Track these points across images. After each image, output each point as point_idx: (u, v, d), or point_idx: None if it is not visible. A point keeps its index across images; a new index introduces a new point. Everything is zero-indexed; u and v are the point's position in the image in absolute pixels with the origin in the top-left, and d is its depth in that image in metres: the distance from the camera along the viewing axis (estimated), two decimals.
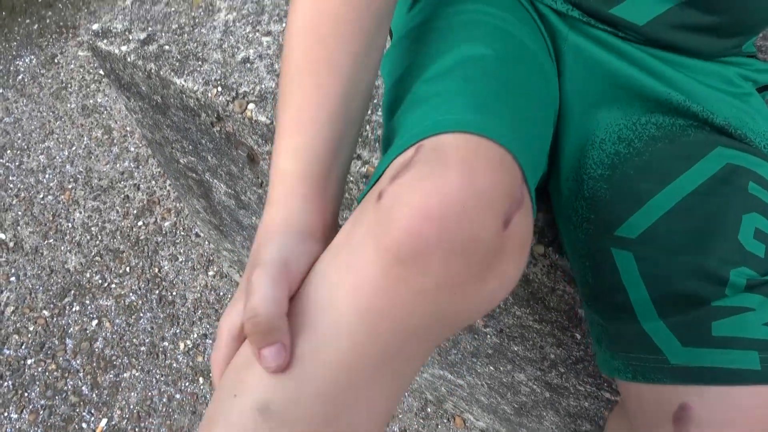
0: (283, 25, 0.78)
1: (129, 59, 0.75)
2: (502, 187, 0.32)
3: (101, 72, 1.79)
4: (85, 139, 1.63)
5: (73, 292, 1.34)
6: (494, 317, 0.74)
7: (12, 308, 1.33)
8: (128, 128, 1.65)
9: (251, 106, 0.70)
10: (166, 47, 0.76)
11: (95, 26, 0.79)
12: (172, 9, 0.81)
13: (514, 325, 0.72)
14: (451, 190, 0.30)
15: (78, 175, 1.55)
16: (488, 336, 0.79)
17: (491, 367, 0.87)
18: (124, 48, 0.76)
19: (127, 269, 1.38)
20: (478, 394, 0.99)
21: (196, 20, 0.79)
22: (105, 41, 0.77)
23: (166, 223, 1.45)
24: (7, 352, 1.26)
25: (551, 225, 0.58)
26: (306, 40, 0.40)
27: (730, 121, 0.48)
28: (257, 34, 0.77)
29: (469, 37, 0.44)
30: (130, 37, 0.77)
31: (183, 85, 0.72)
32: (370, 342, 0.33)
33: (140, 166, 1.57)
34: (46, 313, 1.31)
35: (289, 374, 0.33)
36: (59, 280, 1.36)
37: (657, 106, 0.50)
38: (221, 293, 1.33)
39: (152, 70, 0.74)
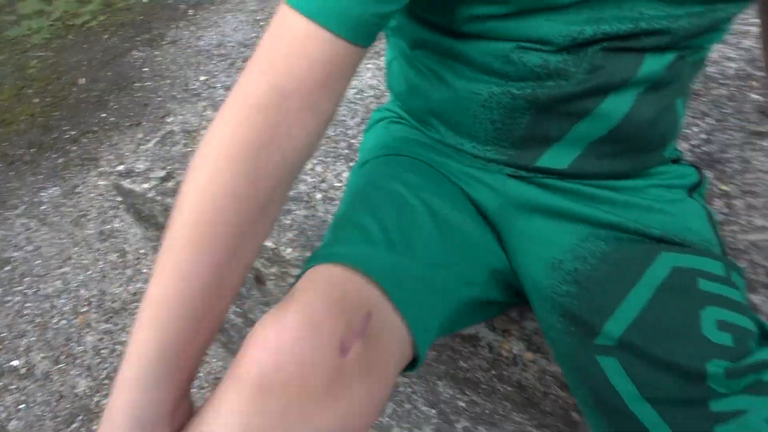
0: None
1: (149, 195, 0.84)
2: (340, 321, 0.39)
3: (119, 198, 1.91)
4: (101, 263, 1.71)
5: (81, 417, 1.34)
6: (495, 425, 0.75)
7: None
8: (142, 251, 1.73)
9: None
10: None
11: (120, 167, 0.88)
12: (189, 149, 0.91)
13: (511, 430, 0.73)
14: (289, 330, 0.38)
15: (92, 299, 1.60)
16: None
17: None
18: (145, 185, 0.85)
19: None
20: None
21: None
22: (128, 180, 0.86)
23: None
24: None
25: (539, 332, 0.62)
26: (195, 210, 0.42)
27: (666, 230, 0.54)
28: None
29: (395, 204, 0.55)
30: (151, 176, 0.86)
31: None
32: None
33: None
34: None
35: None
36: (67, 406, 1.37)
37: (600, 225, 0.56)
38: None
39: (170, 204, 0.82)
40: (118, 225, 1.83)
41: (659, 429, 0.46)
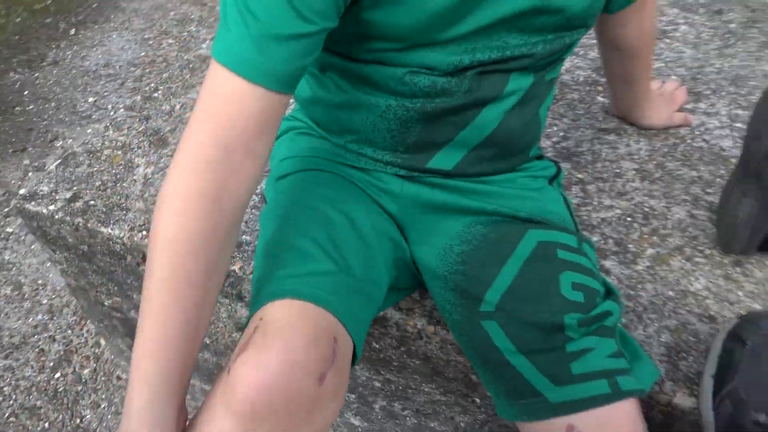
0: None
1: (57, 216, 0.85)
2: (315, 354, 0.48)
3: (8, 230, 1.81)
4: None
5: None
6: (408, 398, 0.84)
7: None
8: (40, 281, 1.66)
9: None
10: (92, 202, 0.86)
11: (22, 191, 0.88)
12: (95, 169, 0.92)
13: (426, 402, 0.83)
14: (273, 368, 0.47)
15: None
16: (407, 418, 0.89)
17: None
18: (51, 207, 0.86)
19: (47, 425, 1.34)
20: None
21: (118, 176, 0.91)
22: (33, 203, 0.86)
23: (86, 371, 1.44)
24: None
25: (437, 308, 0.72)
26: (168, 255, 0.50)
27: (532, 212, 0.67)
28: None
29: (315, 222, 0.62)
30: (57, 197, 0.87)
31: (110, 233, 0.82)
32: None
33: (54, 317, 1.56)
34: None
35: None
36: None
37: (480, 213, 0.67)
38: None
39: (80, 224, 0.84)
40: (9, 257, 1.74)
41: (531, 373, 0.57)
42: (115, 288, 0.95)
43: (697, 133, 0.95)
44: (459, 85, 0.59)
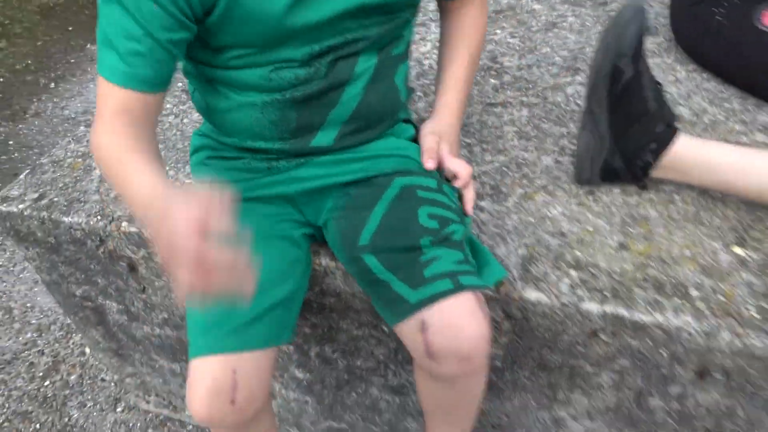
0: None
1: (25, 213, 1.00)
2: (218, 396, 0.71)
3: None
4: None
5: None
6: (334, 339, 0.98)
7: None
8: (29, 304, 1.80)
9: (124, 224, 0.95)
10: (56, 199, 1.02)
11: None
12: (58, 174, 1.08)
13: (347, 340, 0.96)
14: (202, 409, 0.72)
15: None
16: (338, 361, 1.02)
17: (353, 394, 1.08)
18: (21, 206, 1.01)
19: (38, 426, 1.46)
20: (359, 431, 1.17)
21: (78, 178, 1.07)
22: (4, 205, 1.02)
23: (72, 377, 1.57)
24: None
25: None
26: (116, 152, 0.67)
27: (398, 167, 0.81)
28: None
29: None
30: (26, 198, 1.03)
31: (71, 221, 0.98)
32: None
33: (43, 334, 1.70)
34: None
35: None
36: None
37: (358, 173, 0.81)
38: (131, 425, 1.44)
39: (45, 217, 0.99)
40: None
41: (397, 284, 0.72)
42: (82, 276, 1.09)
43: (572, 99, 1.11)
44: (317, 73, 0.74)
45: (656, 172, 0.86)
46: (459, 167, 0.80)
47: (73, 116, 2.68)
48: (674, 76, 1.13)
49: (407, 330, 0.71)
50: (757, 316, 0.71)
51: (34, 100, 2.81)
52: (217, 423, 0.73)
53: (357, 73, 0.76)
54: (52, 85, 2.92)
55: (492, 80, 1.20)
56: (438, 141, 0.82)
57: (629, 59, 0.79)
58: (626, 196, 0.89)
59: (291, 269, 0.79)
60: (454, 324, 0.67)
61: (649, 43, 1.24)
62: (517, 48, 1.29)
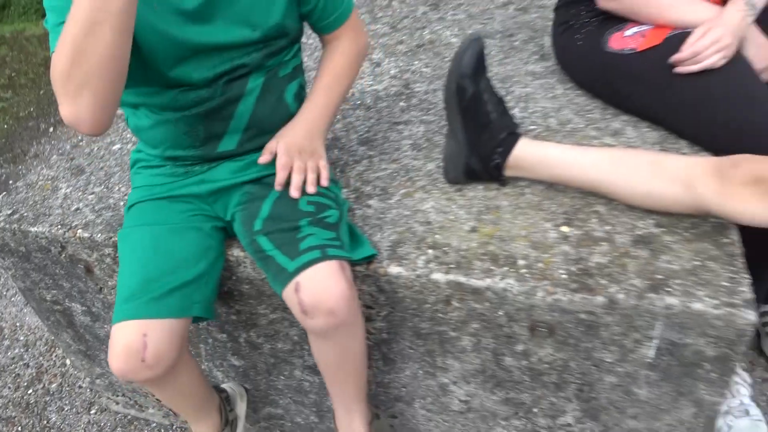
0: (101, 188, 1.27)
1: (0, 226, 1.20)
2: (135, 355, 0.89)
3: None
4: None
5: None
6: (256, 324, 1.15)
7: None
8: (18, 324, 1.99)
9: (80, 231, 1.15)
10: (25, 214, 1.22)
11: None
12: (30, 194, 1.28)
13: (266, 324, 1.14)
14: (119, 365, 0.90)
15: None
16: (263, 345, 1.19)
17: (281, 377, 1.24)
18: None
19: (19, 428, 1.62)
20: (294, 415, 1.33)
21: (46, 197, 1.27)
22: None
23: (53, 386, 1.74)
24: None
25: None
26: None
27: None
28: (85, 194, 1.25)
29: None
30: (0, 214, 1.23)
31: (36, 231, 1.17)
32: None
33: (29, 349, 1.88)
34: None
35: None
36: None
37: (254, 174, 1.01)
38: (102, 425, 1.60)
39: (15, 228, 1.19)
40: None
41: (280, 257, 0.90)
42: (50, 281, 1.28)
43: None
44: (215, 92, 0.94)
45: (508, 171, 1.04)
46: (277, 151, 0.98)
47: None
48: (552, 93, 1.32)
49: (288, 294, 0.89)
50: (565, 278, 0.87)
51: (34, 143, 3.07)
52: (132, 377, 0.90)
53: (248, 89, 0.96)
54: (51, 129, 3.18)
55: (401, 103, 1.40)
56: (277, 141, 0.99)
57: (470, 79, 0.99)
58: (487, 191, 1.07)
59: (202, 255, 0.97)
60: (320, 284, 0.85)
61: (539, 67, 1.43)
62: (428, 76, 1.49)
